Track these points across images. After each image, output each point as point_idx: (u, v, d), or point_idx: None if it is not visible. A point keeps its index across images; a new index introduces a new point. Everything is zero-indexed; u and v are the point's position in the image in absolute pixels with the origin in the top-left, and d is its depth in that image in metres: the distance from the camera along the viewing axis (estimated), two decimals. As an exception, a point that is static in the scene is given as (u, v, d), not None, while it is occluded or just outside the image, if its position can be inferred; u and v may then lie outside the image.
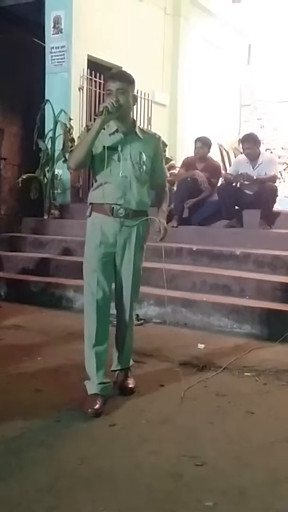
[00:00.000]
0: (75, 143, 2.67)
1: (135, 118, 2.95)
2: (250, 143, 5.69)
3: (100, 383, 2.71)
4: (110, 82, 2.72)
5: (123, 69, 2.92)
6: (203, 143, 6.05)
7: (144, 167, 2.73)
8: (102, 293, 2.72)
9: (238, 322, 4.24)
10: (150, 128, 7.10)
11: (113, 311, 2.86)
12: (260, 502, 1.94)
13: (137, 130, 2.77)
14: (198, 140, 6.10)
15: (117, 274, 2.81)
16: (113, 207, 2.68)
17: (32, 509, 1.87)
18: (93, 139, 2.63)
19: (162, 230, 2.79)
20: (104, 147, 2.65)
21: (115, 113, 2.63)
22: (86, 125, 2.95)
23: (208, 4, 9.18)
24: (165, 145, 2.96)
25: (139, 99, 7.11)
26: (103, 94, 7.19)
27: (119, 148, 2.68)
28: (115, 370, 2.97)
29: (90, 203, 2.79)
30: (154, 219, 2.79)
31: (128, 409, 2.72)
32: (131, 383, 2.92)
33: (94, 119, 2.74)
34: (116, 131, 2.72)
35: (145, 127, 6.99)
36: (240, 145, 6.07)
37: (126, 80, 2.72)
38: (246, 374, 3.27)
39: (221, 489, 2.01)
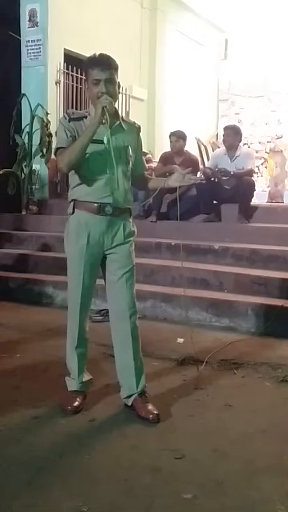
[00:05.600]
0: (56, 136, 2.44)
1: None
2: (230, 131, 5.86)
3: (80, 382, 2.70)
4: (97, 71, 2.46)
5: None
6: (178, 137, 6.07)
7: (130, 163, 2.60)
8: (87, 296, 2.63)
9: (217, 315, 4.27)
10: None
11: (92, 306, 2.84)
12: (238, 493, 1.97)
13: (121, 121, 2.60)
14: (172, 134, 6.12)
15: (110, 281, 2.61)
16: (99, 205, 2.52)
17: (11, 506, 1.86)
18: (88, 141, 2.44)
19: (181, 175, 2.70)
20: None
21: (112, 109, 2.47)
22: (67, 113, 2.60)
23: (185, -2, 9.19)
24: None
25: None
26: (81, 88, 7.27)
27: (105, 142, 2.47)
28: (130, 396, 2.61)
29: (73, 200, 2.60)
30: (167, 180, 2.72)
31: (107, 404, 2.71)
32: (154, 408, 2.55)
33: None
34: (101, 122, 2.46)
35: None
36: (218, 140, 6.15)
37: (114, 67, 2.50)
38: (224, 367, 3.29)
39: (199, 482, 2.03)
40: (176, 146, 6.06)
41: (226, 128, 5.99)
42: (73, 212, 2.61)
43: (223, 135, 5.95)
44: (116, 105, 2.63)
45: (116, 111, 2.61)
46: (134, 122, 2.73)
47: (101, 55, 2.53)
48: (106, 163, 2.49)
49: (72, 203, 2.61)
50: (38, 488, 1.97)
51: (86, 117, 2.57)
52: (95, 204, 2.53)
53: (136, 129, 2.70)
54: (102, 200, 2.53)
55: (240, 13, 9.72)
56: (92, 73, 2.49)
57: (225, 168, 5.67)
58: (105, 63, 2.49)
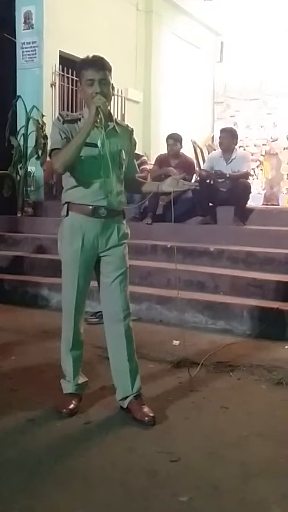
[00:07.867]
0: (50, 138, 2.43)
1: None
2: (227, 134, 5.88)
3: (76, 385, 2.69)
4: (91, 71, 2.47)
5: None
6: (175, 140, 6.08)
7: (124, 166, 2.61)
8: (81, 298, 2.63)
9: (213, 318, 4.27)
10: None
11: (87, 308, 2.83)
12: (233, 496, 1.97)
13: (115, 124, 2.59)
14: (169, 137, 6.13)
15: (104, 283, 2.61)
16: (94, 207, 2.52)
17: (7, 510, 1.85)
18: (83, 142, 2.43)
19: (174, 180, 2.59)
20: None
21: (106, 110, 2.47)
22: (61, 115, 2.60)
23: (180, 1, 9.20)
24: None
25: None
26: (76, 90, 7.27)
27: (99, 145, 2.45)
28: (125, 398, 2.61)
29: (66, 202, 2.59)
30: (160, 184, 2.64)
31: (103, 407, 2.71)
32: (149, 410, 2.56)
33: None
34: (96, 122, 2.45)
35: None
36: (213, 143, 6.18)
37: (108, 68, 2.50)
38: (220, 369, 3.29)
39: (195, 484, 2.03)
40: (173, 149, 6.08)
41: (222, 131, 6.01)
42: (67, 215, 2.60)
43: (220, 137, 5.99)
44: (111, 108, 2.62)
45: (110, 113, 2.61)
46: (127, 125, 2.74)
47: (94, 56, 2.54)
48: (100, 166, 2.49)
49: (66, 205, 2.60)
50: (34, 492, 1.97)
51: (80, 119, 2.56)
52: (90, 207, 2.53)
53: (129, 132, 2.70)
54: (96, 202, 2.53)
55: (236, 16, 9.73)
56: (86, 74, 2.50)
57: (221, 171, 5.68)
58: (99, 64, 2.50)
